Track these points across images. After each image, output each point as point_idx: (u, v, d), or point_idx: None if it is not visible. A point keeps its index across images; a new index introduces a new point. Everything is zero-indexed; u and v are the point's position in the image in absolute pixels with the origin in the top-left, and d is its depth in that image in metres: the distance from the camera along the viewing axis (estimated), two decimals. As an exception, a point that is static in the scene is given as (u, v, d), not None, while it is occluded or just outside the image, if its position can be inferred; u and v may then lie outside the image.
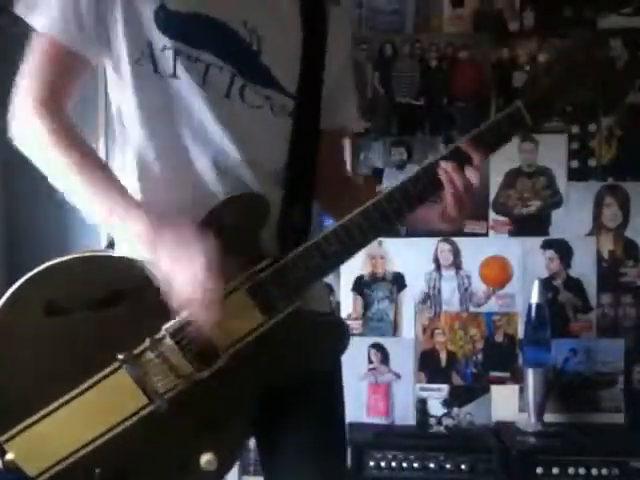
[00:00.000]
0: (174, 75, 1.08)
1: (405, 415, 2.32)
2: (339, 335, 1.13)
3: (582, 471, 1.94)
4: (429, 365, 2.33)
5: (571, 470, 1.94)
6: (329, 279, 2.28)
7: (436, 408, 2.32)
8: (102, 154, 2.10)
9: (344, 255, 1.09)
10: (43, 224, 2.28)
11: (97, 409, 1.04)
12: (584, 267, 2.29)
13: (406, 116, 2.32)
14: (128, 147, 1.13)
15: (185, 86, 1.08)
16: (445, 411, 2.32)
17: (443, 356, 2.33)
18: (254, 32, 1.12)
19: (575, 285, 2.29)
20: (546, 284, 2.23)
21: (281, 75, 1.14)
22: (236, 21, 1.11)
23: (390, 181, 2.30)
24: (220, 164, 1.10)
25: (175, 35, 1.07)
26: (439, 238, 2.31)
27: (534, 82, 1.12)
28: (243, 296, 1.06)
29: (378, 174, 2.33)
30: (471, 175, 1.08)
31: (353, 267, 2.32)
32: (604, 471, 1.93)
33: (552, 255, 2.29)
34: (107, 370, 1.04)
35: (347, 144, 2.27)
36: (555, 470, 1.94)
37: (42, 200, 2.11)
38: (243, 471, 2.29)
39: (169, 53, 1.07)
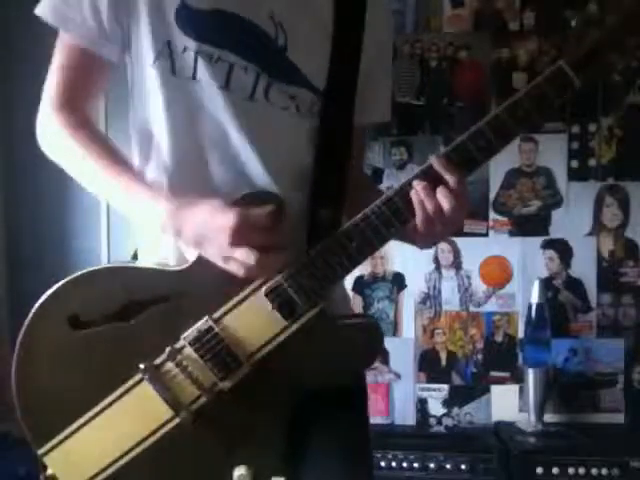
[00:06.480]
0: (193, 77, 1.04)
1: (405, 415, 2.32)
2: (373, 337, 1.07)
3: (582, 471, 1.93)
4: (429, 365, 2.33)
5: (571, 470, 1.93)
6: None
7: (436, 408, 2.32)
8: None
9: (367, 249, 1.02)
10: (43, 224, 2.28)
11: (124, 423, 1.03)
12: (584, 267, 2.29)
13: (406, 116, 2.32)
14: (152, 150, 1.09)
15: (205, 89, 1.04)
16: (445, 411, 2.32)
17: (443, 356, 2.33)
18: (280, 26, 1.05)
19: (575, 285, 2.29)
20: (546, 284, 2.23)
21: (309, 71, 1.07)
22: (261, 15, 1.04)
23: (390, 181, 2.30)
24: (239, 169, 1.06)
25: (196, 35, 1.03)
26: (439, 238, 2.31)
27: (580, 37, 0.97)
28: (262, 300, 1.01)
29: (378, 174, 2.33)
30: (443, 198, 0.97)
31: (353, 267, 2.32)
32: (604, 471, 1.93)
33: (552, 255, 2.29)
34: (130, 382, 1.02)
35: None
36: (555, 470, 1.93)
37: (42, 201, 2.13)
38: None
39: (190, 54, 1.03)
